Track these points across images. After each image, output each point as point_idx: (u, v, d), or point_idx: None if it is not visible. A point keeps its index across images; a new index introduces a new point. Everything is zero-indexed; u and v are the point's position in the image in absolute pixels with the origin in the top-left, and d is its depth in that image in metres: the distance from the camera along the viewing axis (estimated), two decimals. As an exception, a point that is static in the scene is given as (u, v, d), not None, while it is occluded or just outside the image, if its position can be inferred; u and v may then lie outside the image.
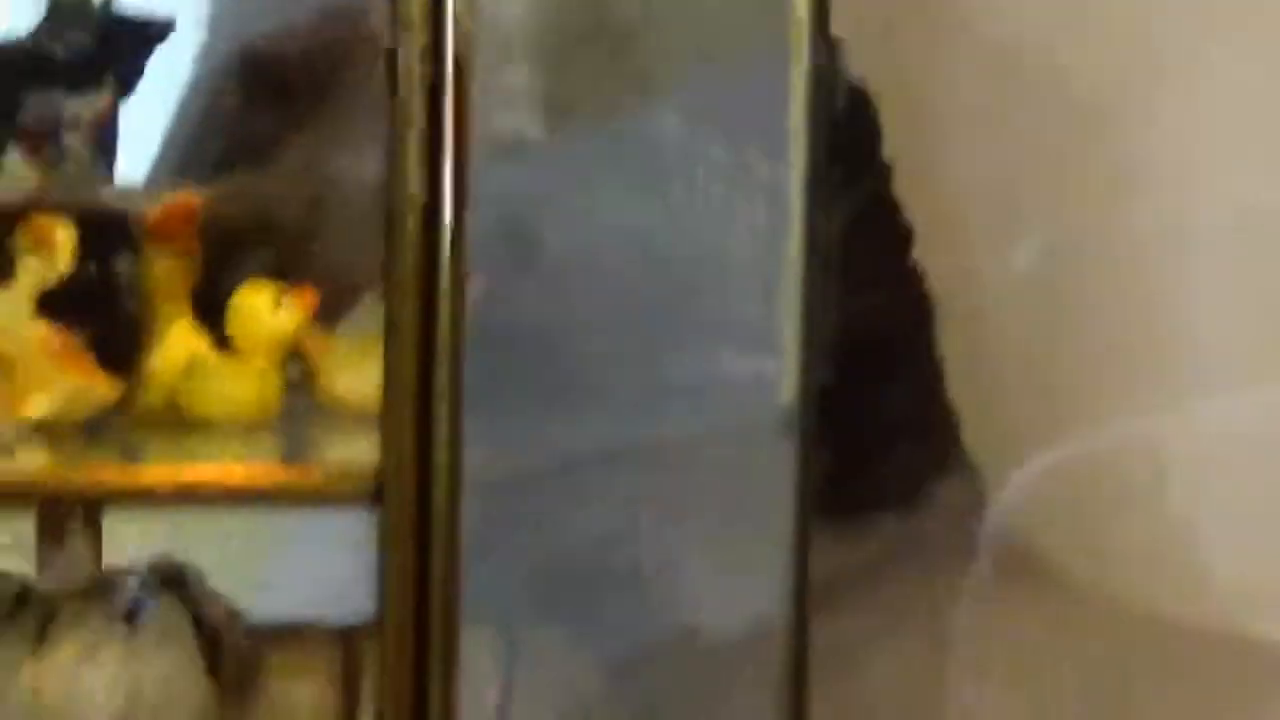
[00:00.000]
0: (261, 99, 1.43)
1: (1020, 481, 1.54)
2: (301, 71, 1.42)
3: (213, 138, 1.44)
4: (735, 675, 1.46)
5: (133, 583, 1.28)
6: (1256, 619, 1.56)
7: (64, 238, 1.23)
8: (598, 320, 1.31)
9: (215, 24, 1.47)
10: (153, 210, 1.29)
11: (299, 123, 1.42)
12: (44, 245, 1.23)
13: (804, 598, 1.42)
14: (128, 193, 1.33)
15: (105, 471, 1.26)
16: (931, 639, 1.52)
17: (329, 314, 1.32)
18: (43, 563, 1.48)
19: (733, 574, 1.44)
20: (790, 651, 1.42)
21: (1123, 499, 1.57)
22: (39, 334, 1.24)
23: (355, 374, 1.31)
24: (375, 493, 1.17)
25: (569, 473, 1.37)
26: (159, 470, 1.26)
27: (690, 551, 1.50)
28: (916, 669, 1.49)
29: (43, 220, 1.23)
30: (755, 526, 1.43)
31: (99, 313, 1.28)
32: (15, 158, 1.30)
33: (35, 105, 1.31)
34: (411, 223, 1.15)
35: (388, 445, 1.16)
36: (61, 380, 1.25)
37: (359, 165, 1.40)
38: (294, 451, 1.29)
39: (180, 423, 1.28)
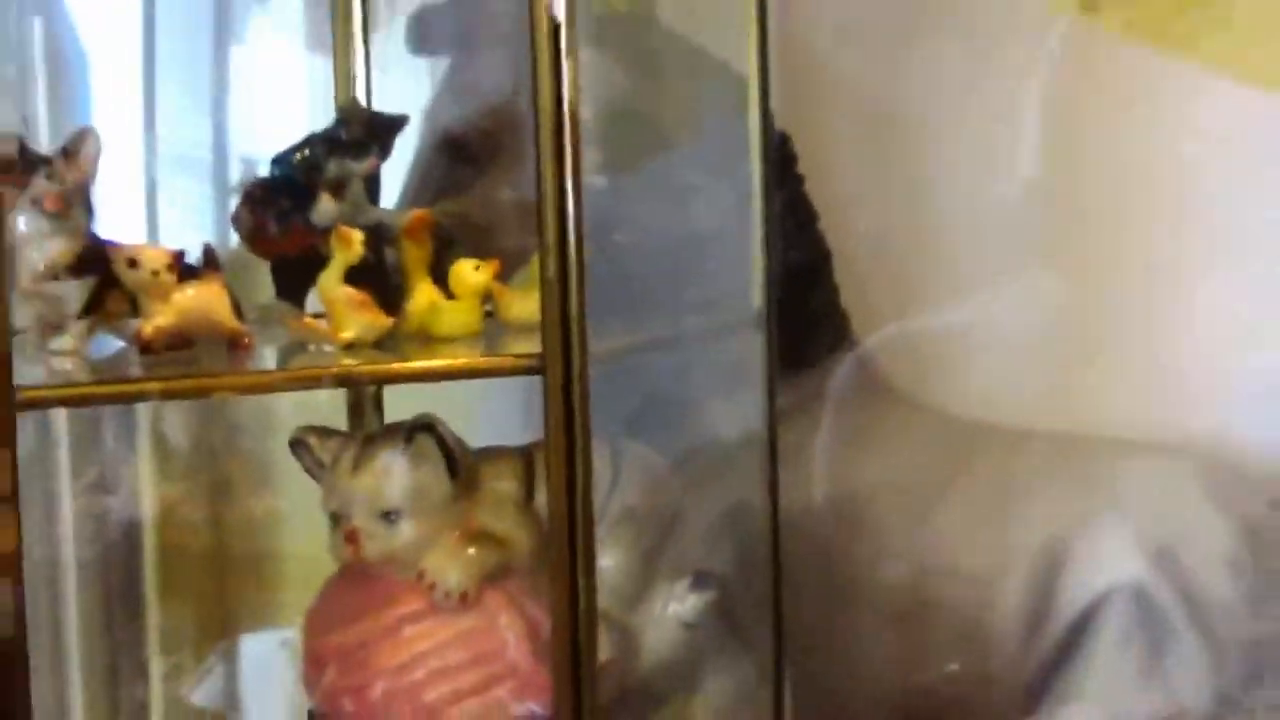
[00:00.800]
0: (458, 158, 1.48)
1: (877, 340, 1.60)
2: (481, 141, 1.47)
3: (431, 180, 1.49)
4: (740, 463, 1.50)
5: (406, 427, 1.29)
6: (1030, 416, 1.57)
7: (357, 238, 1.28)
8: (648, 272, 1.35)
9: (429, 115, 1.51)
10: (405, 221, 1.34)
11: (482, 171, 1.48)
12: (345, 243, 1.28)
13: (774, 417, 1.48)
14: (389, 212, 1.37)
15: (386, 366, 1.30)
16: (832, 434, 1.56)
17: (506, 274, 1.36)
18: (352, 420, 1.57)
19: (736, 406, 1.46)
20: (768, 447, 1.49)
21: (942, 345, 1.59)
22: (346, 293, 1.28)
23: (521, 306, 1.36)
24: (540, 368, 1.23)
25: (642, 349, 1.42)
26: (415, 365, 1.30)
27: (710, 396, 1.58)
28: (825, 451, 1.56)
29: (344, 229, 1.28)
30: (746, 379, 1.47)
31: (378, 280, 1.32)
32: (325, 199, 1.35)
33: (333, 168, 1.35)
34: (551, 224, 1.22)
35: (546, 341, 1.22)
36: (360, 319, 1.30)
37: (519, 193, 1.46)
38: (490, 349, 1.32)
39: (427, 339, 1.33)
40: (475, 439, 1.35)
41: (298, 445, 1.33)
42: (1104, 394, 1.49)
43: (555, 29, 1.20)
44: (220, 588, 1.64)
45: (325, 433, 1.33)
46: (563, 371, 1.22)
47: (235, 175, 1.61)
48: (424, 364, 1.30)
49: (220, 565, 1.65)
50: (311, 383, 1.27)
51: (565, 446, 1.22)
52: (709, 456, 1.50)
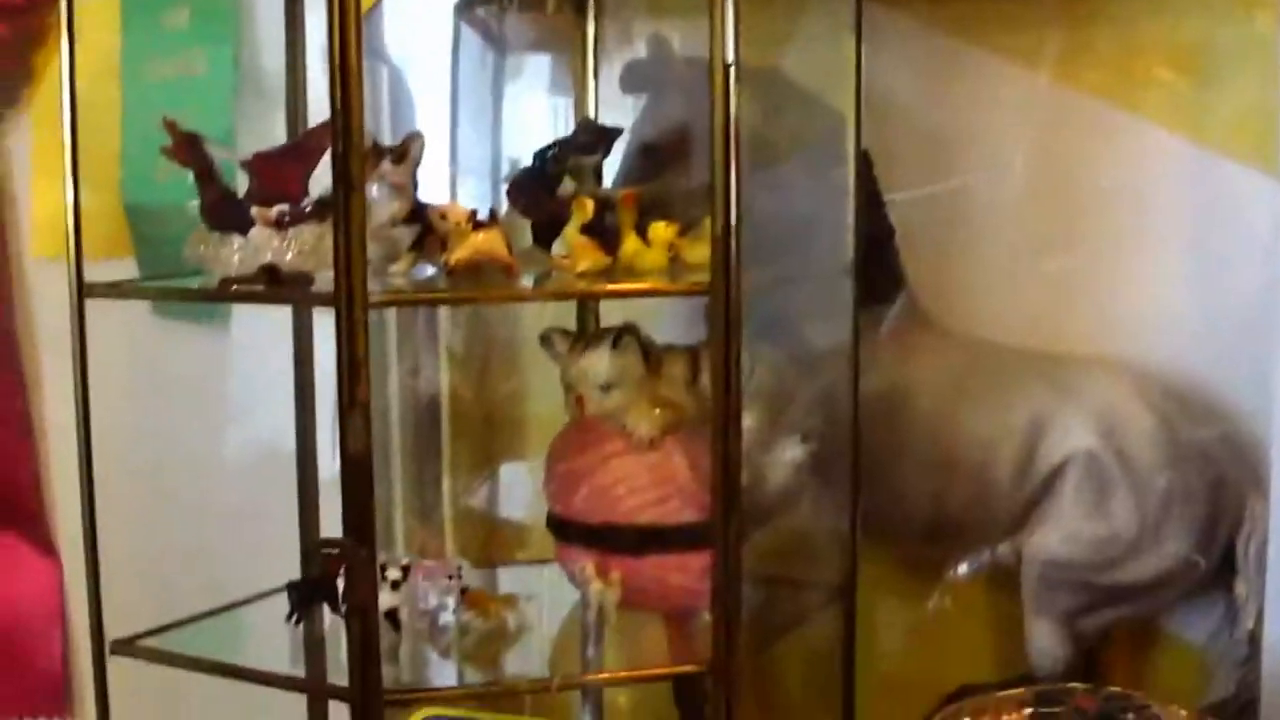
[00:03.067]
0: (651, 158, 1.42)
1: (920, 285, 1.51)
2: (667, 147, 1.40)
3: (634, 172, 1.42)
4: (832, 363, 1.44)
5: (615, 330, 1.27)
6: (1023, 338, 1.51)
7: (589, 204, 1.24)
8: (778, 235, 1.28)
9: (634, 129, 1.44)
10: (620, 195, 1.29)
11: (665, 166, 1.41)
12: (582, 208, 1.24)
13: (857, 334, 1.42)
14: (609, 190, 1.31)
15: (604, 286, 1.27)
16: (891, 346, 1.48)
17: (683, 231, 1.29)
18: (579, 324, 1.51)
19: (832, 325, 1.41)
20: (852, 351, 1.42)
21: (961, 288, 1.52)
22: (581, 240, 1.24)
23: (693, 253, 1.29)
24: (708, 291, 1.18)
25: (773, 285, 1.37)
26: (624, 285, 1.26)
27: (815, 318, 1.51)
28: (886, 356, 1.46)
29: (581, 198, 1.23)
30: (840, 308, 1.41)
31: (602, 233, 1.26)
32: (567, 180, 1.29)
33: (572, 161, 1.30)
34: (719, 202, 1.16)
35: (713, 276, 1.17)
36: (589, 257, 1.25)
37: (690, 181, 1.37)
38: (673, 279, 1.25)
39: (631, 272, 1.26)
40: (660, 338, 1.33)
41: (545, 340, 1.31)
42: (1075, 325, 1.47)
43: (727, 68, 1.13)
44: (489, 433, 1.62)
45: (563, 332, 1.33)
46: (724, 296, 1.17)
47: (506, 165, 1.56)
48: (630, 285, 1.26)
49: (489, 421, 1.64)
50: (557, 296, 1.30)
51: (724, 347, 1.16)
52: (813, 357, 1.45)
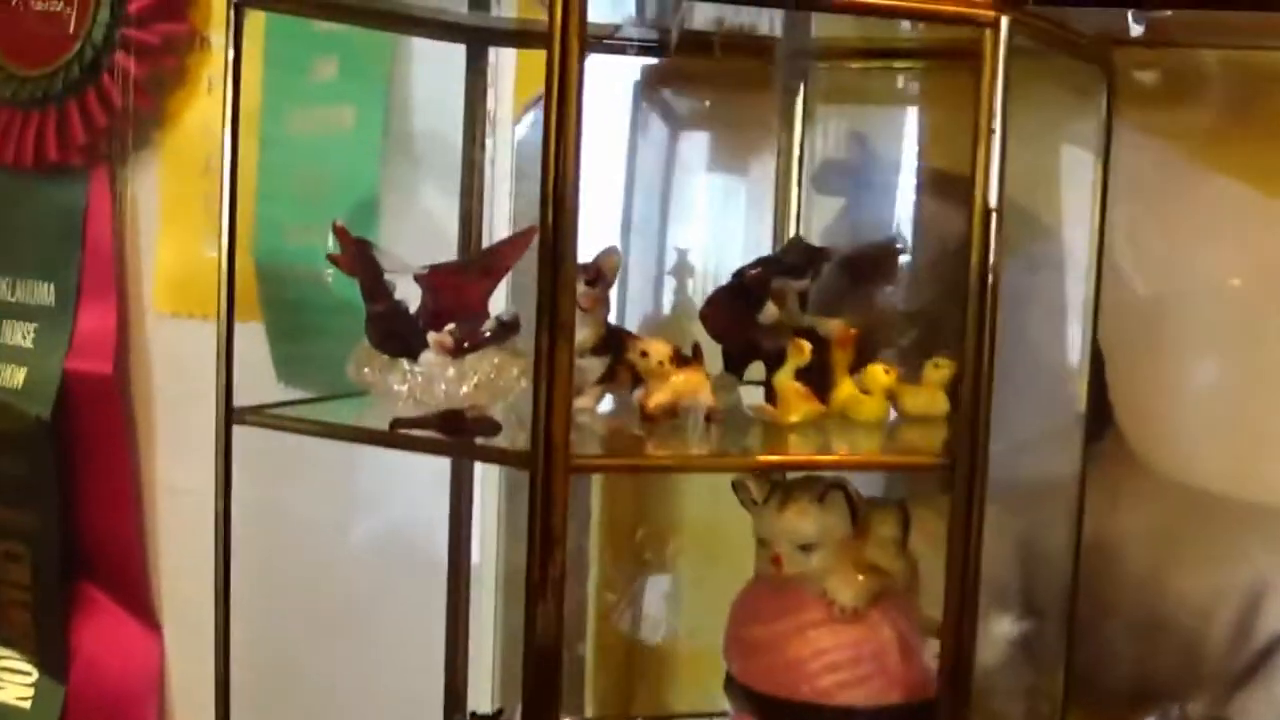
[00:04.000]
0: (850, 275, 1.25)
1: (1128, 422, 1.31)
2: (868, 264, 1.25)
3: (829, 290, 1.25)
4: (1047, 520, 1.26)
5: (823, 483, 1.10)
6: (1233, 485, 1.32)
7: (807, 348, 1.09)
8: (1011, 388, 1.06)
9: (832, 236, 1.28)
10: (837, 332, 1.14)
11: (863, 286, 1.26)
12: (799, 350, 1.10)
13: (1083, 493, 1.25)
14: (814, 319, 1.17)
15: (834, 455, 1.10)
16: (1101, 490, 1.29)
17: (908, 375, 1.14)
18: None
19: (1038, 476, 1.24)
20: (1076, 509, 1.26)
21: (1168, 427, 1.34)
22: (794, 387, 1.10)
23: (914, 402, 1.16)
24: (949, 465, 1.00)
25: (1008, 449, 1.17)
26: (857, 457, 1.11)
27: (1025, 472, 1.32)
28: (1096, 502, 1.27)
29: (799, 340, 1.09)
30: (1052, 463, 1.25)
31: (814, 375, 1.12)
32: (770, 305, 1.14)
33: (777, 283, 1.16)
34: (970, 349, 0.98)
35: (956, 443, 0.99)
36: (803, 407, 1.11)
37: (896, 307, 1.24)
38: (892, 435, 1.11)
39: (846, 422, 1.12)
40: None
41: (739, 486, 1.15)
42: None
43: (989, 213, 0.96)
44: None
45: (759, 478, 1.15)
46: (970, 470, 0.99)
47: (705, 284, 1.37)
48: (865, 458, 1.10)
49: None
50: (781, 465, 1.10)
51: (965, 522, 0.99)
52: (1021, 505, 1.28)
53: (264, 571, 1.42)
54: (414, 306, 1.11)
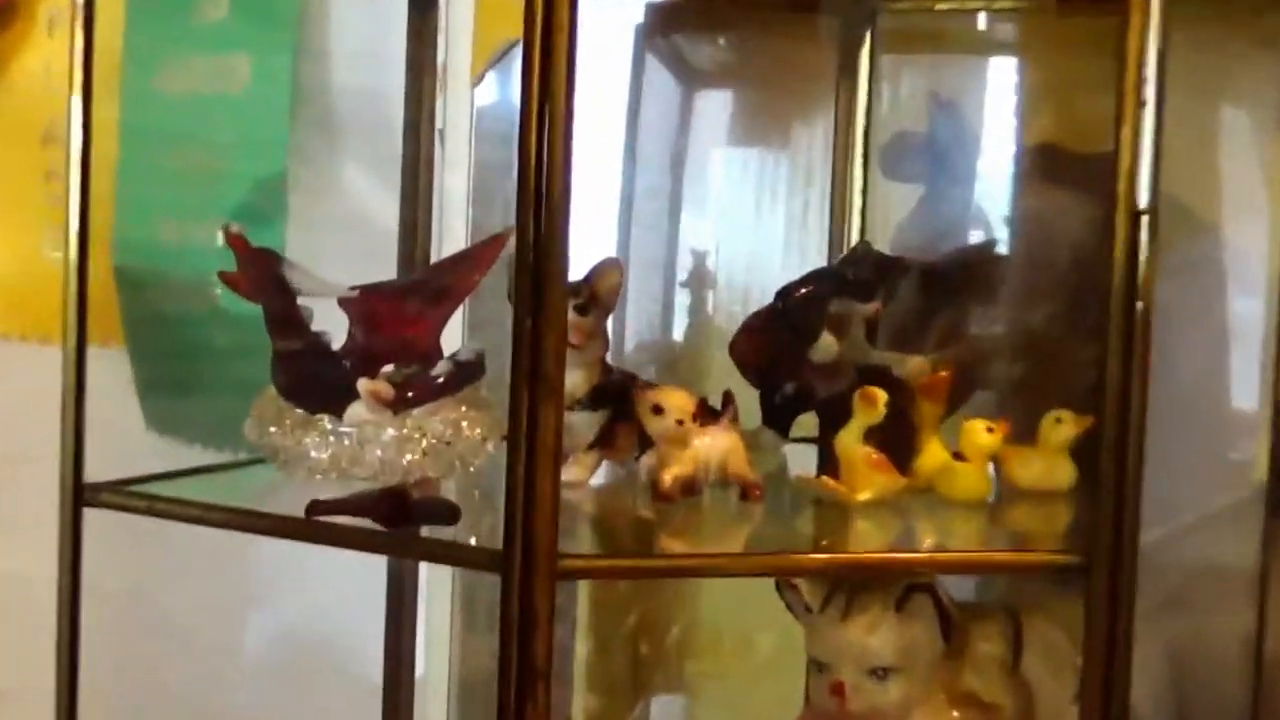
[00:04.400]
0: (930, 290, 1.24)
1: None
2: (957, 276, 1.24)
3: (899, 309, 1.24)
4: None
5: (902, 584, 1.06)
6: None
7: (881, 399, 1.06)
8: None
9: (896, 243, 1.29)
10: (920, 378, 1.13)
11: (952, 305, 1.24)
12: (869, 403, 1.06)
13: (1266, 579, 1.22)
14: (889, 356, 1.15)
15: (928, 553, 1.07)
16: None
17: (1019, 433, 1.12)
18: None
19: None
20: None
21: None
22: (864, 453, 1.07)
23: (1027, 471, 1.14)
24: (1085, 565, 0.96)
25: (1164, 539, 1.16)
26: (958, 555, 1.06)
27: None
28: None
29: (870, 390, 1.05)
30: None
31: (891, 435, 1.09)
32: (827, 337, 1.14)
33: (837, 306, 1.14)
34: (1112, 413, 0.94)
35: (1094, 539, 0.95)
36: (877, 480, 1.08)
37: (995, 333, 1.24)
38: (995, 515, 1.09)
39: (935, 500, 1.10)
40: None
41: (786, 587, 1.11)
42: None
43: (1138, 216, 0.92)
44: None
45: (815, 579, 1.10)
46: (1109, 564, 0.95)
47: (736, 302, 1.38)
48: (961, 551, 1.06)
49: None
50: (852, 570, 1.03)
51: (1105, 636, 0.95)
52: (1190, 625, 1.28)
53: (130, 687, 1.39)
54: (338, 342, 1.08)
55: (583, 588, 1.43)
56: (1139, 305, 0.94)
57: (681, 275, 1.37)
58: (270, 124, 1.42)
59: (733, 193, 1.42)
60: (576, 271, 1.02)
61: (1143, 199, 0.93)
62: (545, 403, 0.87)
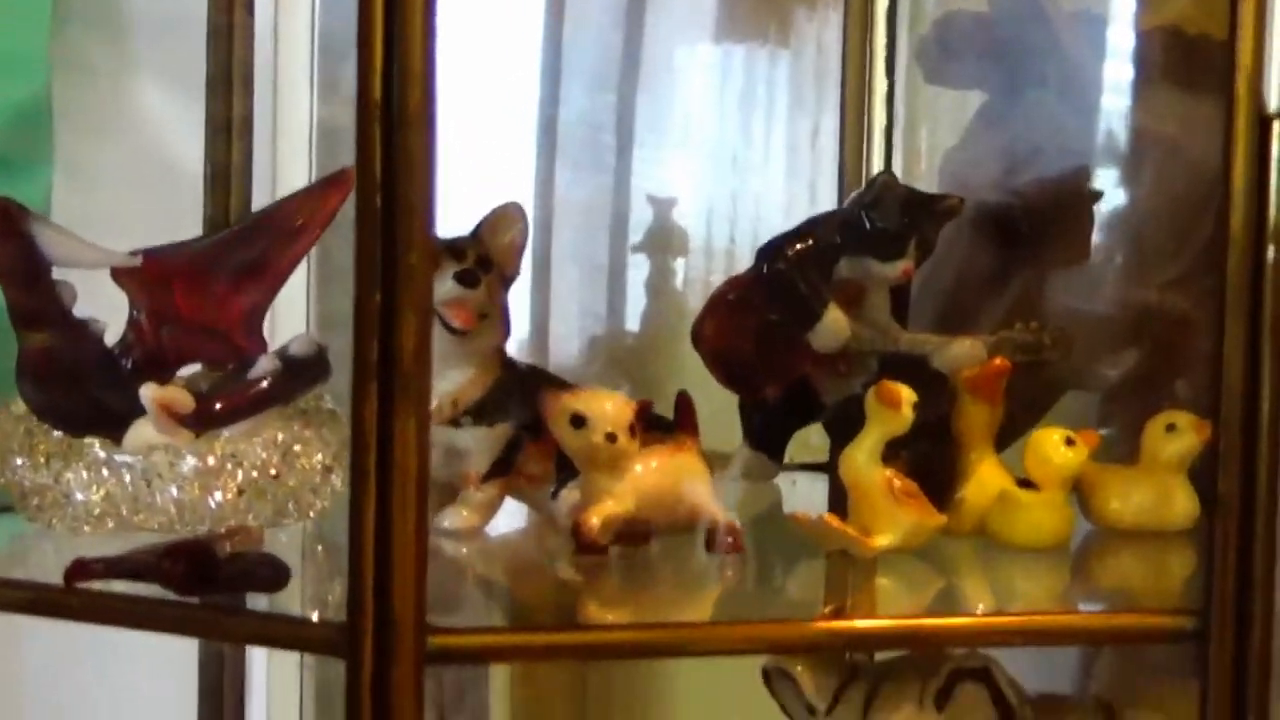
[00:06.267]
0: (991, 239, 1.32)
1: None
2: (1028, 222, 1.30)
3: (949, 265, 1.33)
4: None
5: (948, 669, 1.11)
6: None
7: (908, 400, 1.09)
8: None
9: (945, 172, 1.38)
10: (970, 369, 1.16)
11: (1023, 263, 1.30)
12: (890, 404, 1.09)
13: None
14: (926, 340, 1.20)
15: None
16: None
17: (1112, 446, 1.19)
18: None
19: None
20: None
21: None
22: (885, 478, 1.10)
23: (1123, 500, 1.18)
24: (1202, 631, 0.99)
25: None
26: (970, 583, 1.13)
27: None
28: None
29: (890, 386, 1.08)
30: None
31: (929, 454, 1.16)
32: (833, 312, 1.18)
33: (849, 268, 1.20)
34: (1235, 417, 0.97)
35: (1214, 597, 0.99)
36: (903, 518, 1.11)
37: (1086, 304, 1.28)
38: (1079, 574, 1.14)
39: (987, 545, 1.15)
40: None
41: (777, 675, 1.17)
42: None
43: (1268, 121, 0.96)
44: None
45: (816, 661, 1.17)
46: (1231, 640, 0.98)
47: (709, 269, 1.43)
48: (1031, 621, 1.06)
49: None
50: (832, 642, 1.07)
51: None
52: None
53: None
54: (115, 334, 1.12)
55: (500, 679, 1.47)
56: (1269, 253, 0.97)
57: (635, 235, 1.42)
58: (24, 29, 1.46)
59: (707, 115, 1.47)
60: (462, 223, 1.07)
61: (1272, 98, 0.96)
62: (403, 414, 0.90)
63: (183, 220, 1.26)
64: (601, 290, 1.42)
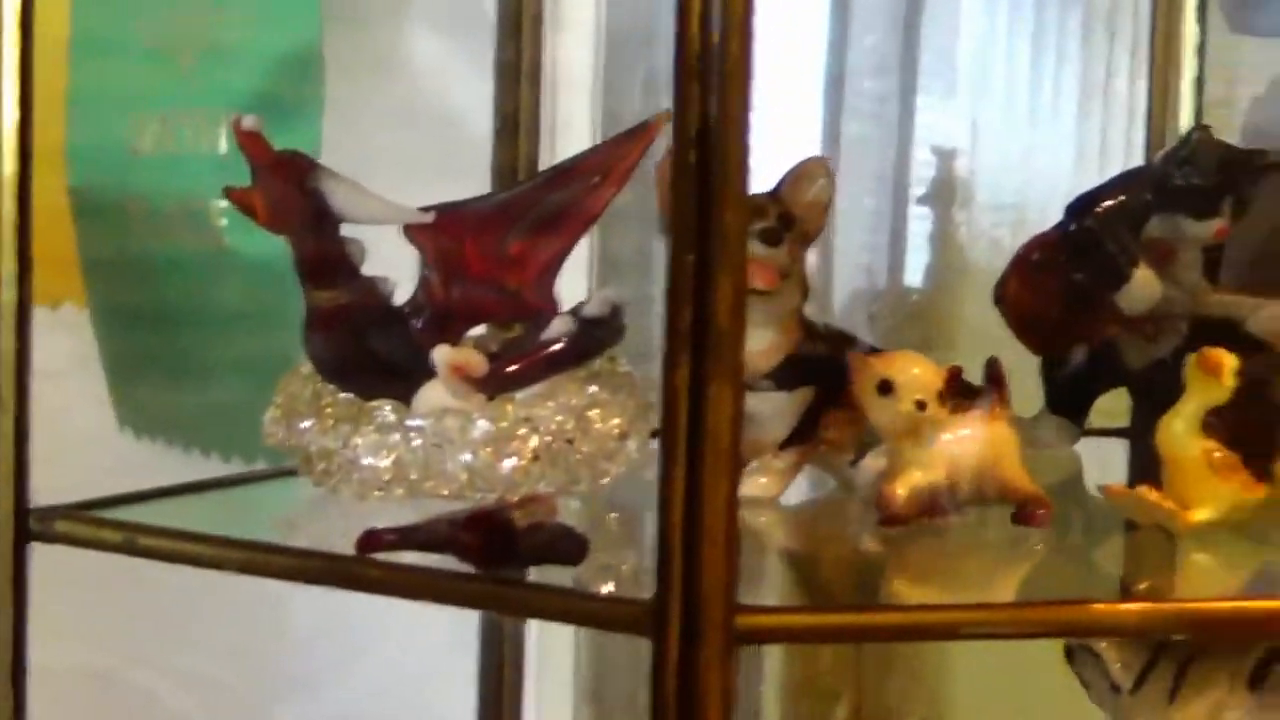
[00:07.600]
0: None
1: None
2: None
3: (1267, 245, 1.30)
4: None
5: (1261, 648, 1.11)
6: None
7: (1230, 367, 1.06)
8: None
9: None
10: None
11: None
12: (1212, 370, 1.07)
13: None
14: (1237, 301, 1.19)
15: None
16: None
17: None
18: None
19: None
20: None
21: None
22: (1207, 449, 1.08)
23: None
24: None
25: None
26: None
27: None
28: None
29: (1212, 353, 1.06)
30: None
31: (1254, 424, 1.11)
32: (1143, 273, 1.16)
33: (1160, 227, 1.17)
34: None
35: None
36: (1223, 490, 1.08)
37: None
38: None
39: None
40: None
41: (1080, 651, 1.18)
42: None
43: None
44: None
45: (1128, 643, 1.16)
46: None
47: (1006, 230, 1.40)
48: None
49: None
50: (1140, 625, 1.01)
51: None
52: None
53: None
54: (405, 294, 1.12)
55: (772, 655, 1.46)
56: None
57: (919, 187, 1.39)
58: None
59: (996, 64, 1.44)
60: (762, 181, 1.04)
61: None
62: (717, 380, 0.88)
63: (467, 173, 1.27)
64: (884, 247, 1.40)
